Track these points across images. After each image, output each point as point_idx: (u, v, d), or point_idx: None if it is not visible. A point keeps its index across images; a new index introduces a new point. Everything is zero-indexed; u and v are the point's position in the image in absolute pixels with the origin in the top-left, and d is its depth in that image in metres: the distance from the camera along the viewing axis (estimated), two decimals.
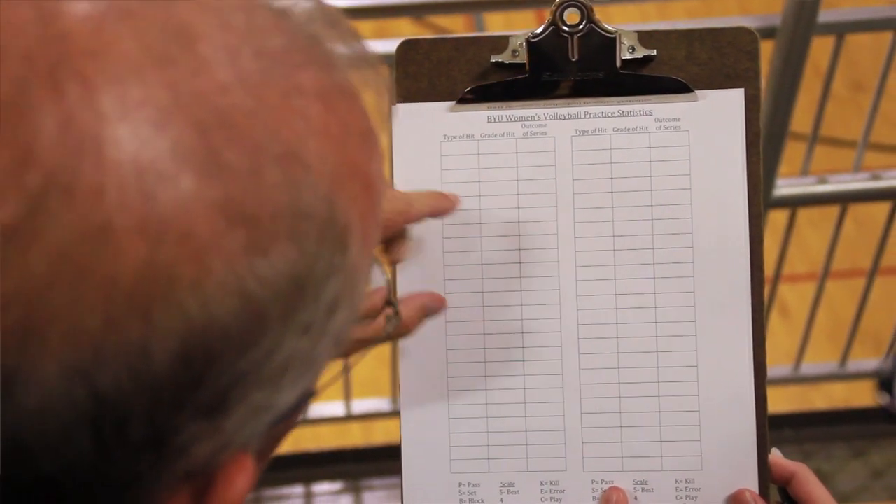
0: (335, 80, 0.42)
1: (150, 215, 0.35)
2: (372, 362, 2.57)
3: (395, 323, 0.55)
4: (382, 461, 2.17)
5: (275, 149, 0.38)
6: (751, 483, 0.76)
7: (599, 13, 0.77)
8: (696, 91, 0.77)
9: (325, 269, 0.39)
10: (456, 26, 3.60)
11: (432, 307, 0.78)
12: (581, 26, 0.77)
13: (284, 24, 0.41)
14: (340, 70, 0.42)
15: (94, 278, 0.34)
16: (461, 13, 3.41)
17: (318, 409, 2.10)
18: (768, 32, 1.57)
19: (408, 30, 3.45)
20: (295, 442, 2.35)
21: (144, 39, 0.37)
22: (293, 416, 0.44)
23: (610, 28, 0.77)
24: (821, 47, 1.69)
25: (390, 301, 0.57)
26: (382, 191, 0.44)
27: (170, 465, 0.38)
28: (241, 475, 0.41)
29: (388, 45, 0.82)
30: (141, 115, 0.36)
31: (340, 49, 0.43)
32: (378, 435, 2.35)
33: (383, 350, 0.81)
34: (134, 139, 0.35)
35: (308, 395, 0.44)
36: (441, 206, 0.77)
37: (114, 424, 0.36)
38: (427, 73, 0.79)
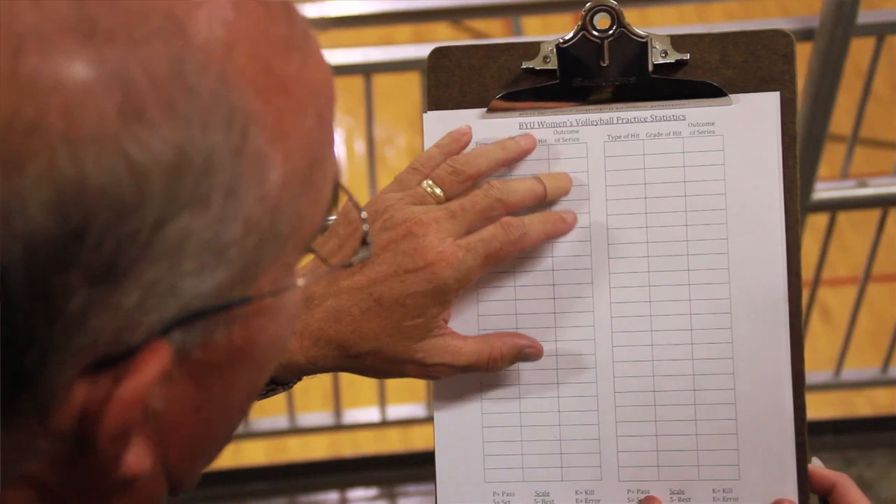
0: None
1: (20, 70, 0.37)
2: None
3: (362, 257, 0.53)
4: (419, 467, 2.17)
5: (158, 22, 0.39)
6: (790, 493, 0.74)
7: (637, 14, 0.75)
8: (731, 95, 0.76)
9: (214, 147, 0.40)
10: (493, 30, 3.59)
11: (528, 354, 0.76)
12: (612, 31, 0.76)
13: None
14: None
15: None
16: (497, 17, 3.41)
17: (354, 415, 2.11)
18: (806, 34, 1.55)
19: (445, 33, 3.45)
20: (333, 448, 2.36)
21: None
22: (228, 313, 0.43)
23: (641, 32, 0.76)
24: (862, 47, 1.67)
25: (365, 239, 0.56)
26: (316, 106, 0.45)
27: (69, 337, 0.39)
28: (152, 360, 0.41)
29: (425, 50, 0.81)
30: None
31: None
32: (416, 440, 2.35)
33: None
34: (10, 11, 0.37)
35: (242, 298, 0.44)
36: (556, 230, 0.76)
37: None
38: (458, 81, 0.79)
